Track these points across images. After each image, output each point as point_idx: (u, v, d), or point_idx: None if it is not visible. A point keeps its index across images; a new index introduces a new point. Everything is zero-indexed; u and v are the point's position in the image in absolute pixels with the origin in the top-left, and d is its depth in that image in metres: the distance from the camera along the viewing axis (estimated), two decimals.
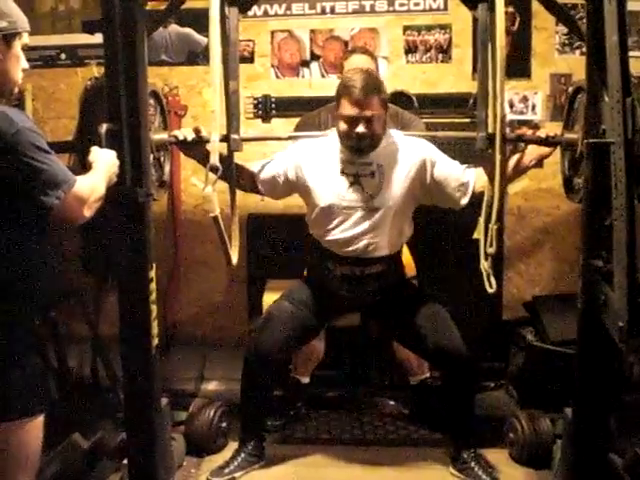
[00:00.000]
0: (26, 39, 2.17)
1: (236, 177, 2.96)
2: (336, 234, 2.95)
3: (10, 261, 2.14)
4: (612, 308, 2.05)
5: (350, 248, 2.94)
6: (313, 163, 2.96)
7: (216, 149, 2.66)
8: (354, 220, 2.92)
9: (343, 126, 2.83)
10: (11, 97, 2.18)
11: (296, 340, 3.11)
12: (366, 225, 2.91)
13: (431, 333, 2.97)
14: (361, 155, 2.87)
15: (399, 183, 2.89)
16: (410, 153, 2.91)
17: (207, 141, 2.72)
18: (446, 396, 3.13)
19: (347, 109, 2.79)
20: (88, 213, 2.17)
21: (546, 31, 4.15)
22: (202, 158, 2.78)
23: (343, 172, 2.90)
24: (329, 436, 3.46)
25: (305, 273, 3.44)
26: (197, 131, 2.82)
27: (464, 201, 2.96)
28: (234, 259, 2.85)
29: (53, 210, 2.08)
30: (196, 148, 2.85)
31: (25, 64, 2.19)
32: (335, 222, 2.94)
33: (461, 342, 2.97)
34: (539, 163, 2.84)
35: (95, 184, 2.23)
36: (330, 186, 2.92)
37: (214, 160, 2.64)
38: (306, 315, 3.07)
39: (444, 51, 4.22)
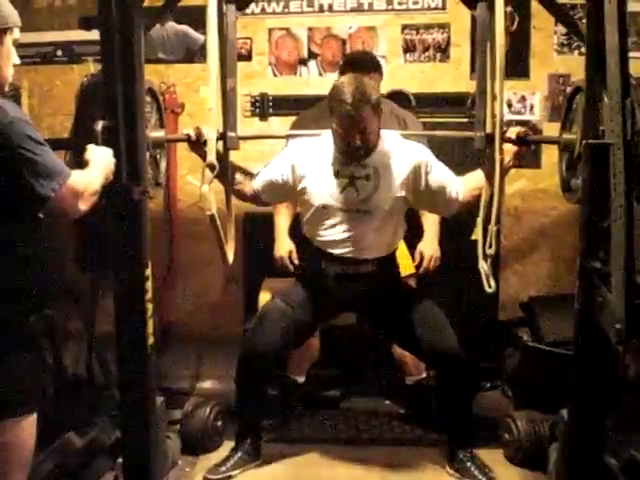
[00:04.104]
0: (17, 34, 2.15)
1: (236, 184, 2.96)
2: (329, 235, 2.94)
3: (5, 257, 2.13)
4: (609, 310, 2.05)
5: (343, 249, 2.94)
6: (309, 163, 2.94)
7: (213, 147, 2.65)
8: (347, 222, 2.91)
9: (337, 138, 2.82)
10: (3, 92, 2.16)
11: (290, 341, 3.09)
12: (359, 227, 2.91)
13: (425, 333, 2.97)
14: (357, 162, 2.86)
15: (393, 187, 2.88)
16: (406, 157, 2.90)
17: (218, 140, 2.74)
18: (442, 396, 3.13)
19: (340, 124, 2.76)
20: (83, 207, 2.15)
21: (545, 31, 4.15)
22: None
23: (338, 173, 2.89)
24: (324, 435, 3.45)
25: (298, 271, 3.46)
26: (198, 132, 2.80)
27: (452, 212, 2.98)
28: (230, 258, 2.84)
29: (48, 202, 2.07)
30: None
31: (16, 60, 2.17)
32: (328, 223, 2.94)
33: (455, 342, 2.97)
34: (518, 162, 2.82)
35: (90, 178, 2.22)
36: (325, 187, 2.91)
37: (211, 158, 2.64)
38: (300, 315, 3.05)
39: (442, 50, 4.21)
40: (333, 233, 2.94)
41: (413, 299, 3.08)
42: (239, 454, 3.10)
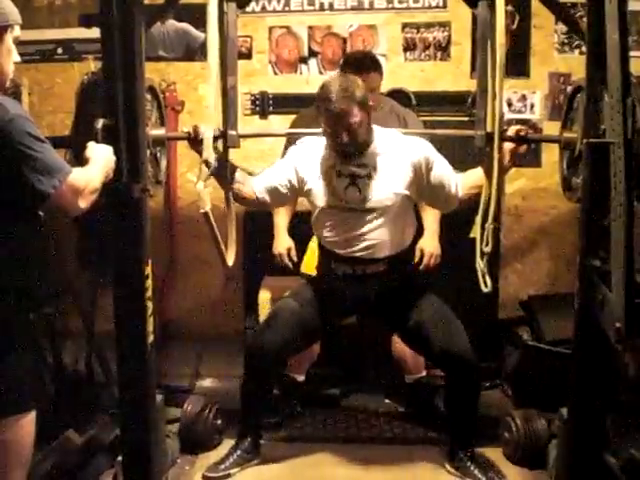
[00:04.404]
0: (18, 32, 2.16)
1: (235, 184, 2.94)
2: (336, 235, 2.94)
3: (4, 255, 2.13)
4: (609, 308, 2.05)
5: (350, 249, 2.93)
6: (311, 165, 2.95)
7: (210, 144, 2.65)
8: (352, 221, 2.90)
9: (327, 137, 2.84)
10: (3, 90, 2.17)
11: (299, 339, 3.08)
12: (364, 226, 2.90)
13: (436, 336, 2.95)
14: (351, 160, 2.86)
15: (395, 184, 2.88)
16: (408, 154, 2.89)
17: (217, 138, 2.74)
18: (449, 397, 3.12)
19: (326, 122, 2.78)
20: (83, 204, 2.16)
21: (545, 30, 4.15)
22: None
23: (340, 173, 2.89)
24: (324, 434, 3.45)
25: (303, 269, 3.46)
26: (196, 130, 2.79)
27: (451, 208, 2.98)
28: (230, 259, 2.83)
29: (48, 199, 2.07)
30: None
31: (17, 57, 2.18)
32: (334, 223, 2.94)
33: (468, 345, 2.95)
34: (515, 162, 2.83)
35: (90, 176, 2.22)
36: (328, 187, 2.91)
37: (207, 155, 2.64)
38: (311, 315, 3.04)
39: (443, 49, 4.21)
40: (339, 233, 2.94)
41: (424, 299, 3.05)
42: (239, 452, 3.10)
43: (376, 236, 2.92)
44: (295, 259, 3.52)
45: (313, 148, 2.98)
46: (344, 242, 2.94)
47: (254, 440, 3.13)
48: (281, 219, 3.54)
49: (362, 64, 3.40)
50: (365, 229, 2.90)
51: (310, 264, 3.36)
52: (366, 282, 2.99)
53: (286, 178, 2.97)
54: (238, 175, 2.96)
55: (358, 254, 2.94)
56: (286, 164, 3.01)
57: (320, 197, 2.93)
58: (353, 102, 2.73)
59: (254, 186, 2.98)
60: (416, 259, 3.45)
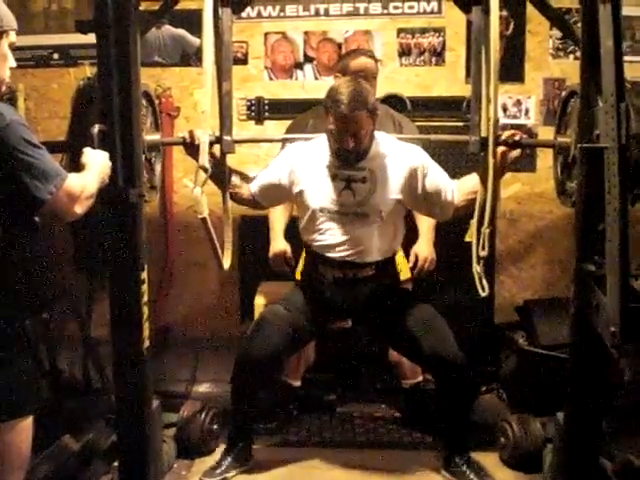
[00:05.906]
0: (13, 37, 2.16)
1: (232, 187, 2.96)
2: (327, 238, 2.93)
3: (1, 260, 2.13)
4: (604, 313, 2.05)
5: (341, 253, 2.92)
6: (306, 166, 2.94)
7: (206, 150, 2.66)
8: (345, 225, 2.90)
9: (331, 140, 2.83)
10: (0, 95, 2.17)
11: (287, 347, 3.07)
12: (356, 230, 2.89)
13: (426, 339, 2.93)
14: (349, 165, 2.86)
15: (390, 189, 2.88)
16: (403, 160, 2.89)
17: (213, 143, 2.76)
18: (441, 402, 3.11)
19: (334, 125, 2.77)
20: (79, 210, 2.16)
21: (540, 35, 4.16)
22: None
23: (335, 176, 2.89)
24: (320, 439, 3.45)
25: (298, 276, 3.45)
26: (191, 135, 2.81)
27: (447, 215, 2.96)
28: (226, 263, 2.84)
29: (45, 204, 2.08)
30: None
31: (12, 63, 2.18)
32: (326, 226, 2.93)
33: (457, 349, 2.93)
34: (510, 166, 2.83)
35: (86, 181, 2.23)
36: (322, 189, 2.90)
37: (203, 161, 2.64)
38: (300, 320, 3.03)
39: (438, 54, 4.22)
40: (330, 236, 2.93)
41: (414, 305, 3.05)
42: (231, 456, 3.09)
43: (369, 240, 2.91)
44: (292, 263, 3.52)
45: (309, 150, 2.97)
46: (336, 245, 2.93)
47: (246, 445, 3.13)
48: (277, 223, 3.53)
49: (358, 49, 3.59)
50: (358, 233, 2.90)
51: None
52: (356, 286, 2.98)
53: (280, 178, 2.97)
54: (234, 177, 2.97)
55: (349, 258, 2.93)
56: (280, 164, 3.01)
57: (313, 199, 2.92)
58: (364, 109, 2.73)
59: (250, 187, 2.99)
60: (411, 264, 3.45)
